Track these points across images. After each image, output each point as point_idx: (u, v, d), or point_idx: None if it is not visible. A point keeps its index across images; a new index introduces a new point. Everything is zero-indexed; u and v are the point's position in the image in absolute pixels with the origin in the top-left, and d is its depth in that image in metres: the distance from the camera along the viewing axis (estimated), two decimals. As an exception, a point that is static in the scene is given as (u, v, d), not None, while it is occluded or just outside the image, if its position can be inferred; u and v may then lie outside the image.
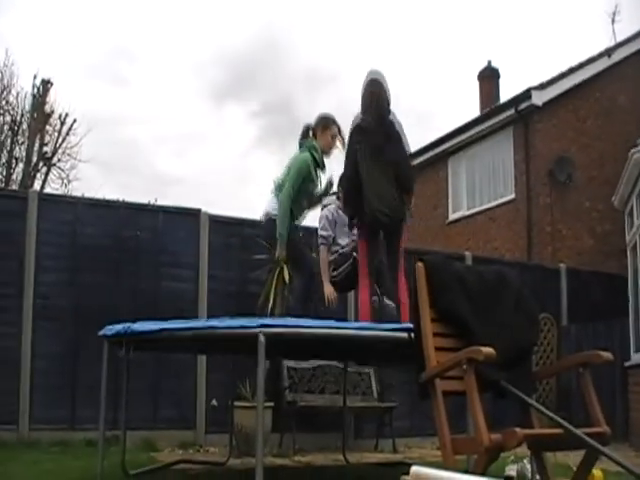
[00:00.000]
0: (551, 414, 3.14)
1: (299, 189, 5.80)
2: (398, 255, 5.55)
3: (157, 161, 34.58)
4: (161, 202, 9.28)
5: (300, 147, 6.02)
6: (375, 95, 5.58)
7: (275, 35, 36.91)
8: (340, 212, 6.10)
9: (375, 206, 5.28)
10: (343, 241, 6.08)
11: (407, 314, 5.28)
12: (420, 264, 3.39)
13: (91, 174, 33.01)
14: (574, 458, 3.43)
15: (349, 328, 4.79)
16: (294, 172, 5.79)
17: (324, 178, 6.13)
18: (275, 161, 37.86)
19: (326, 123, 5.99)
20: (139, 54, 34.40)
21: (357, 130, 5.57)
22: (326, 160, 6.05)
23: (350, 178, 5.55)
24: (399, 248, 5.57)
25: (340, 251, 6.03)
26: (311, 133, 6.05)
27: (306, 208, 6.10)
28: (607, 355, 3.28)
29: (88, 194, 8.93)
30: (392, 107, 5.65)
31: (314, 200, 6.18)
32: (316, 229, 6.32)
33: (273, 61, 36.18)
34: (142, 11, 33.25)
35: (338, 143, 5.99)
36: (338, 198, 6.22)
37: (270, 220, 5.84)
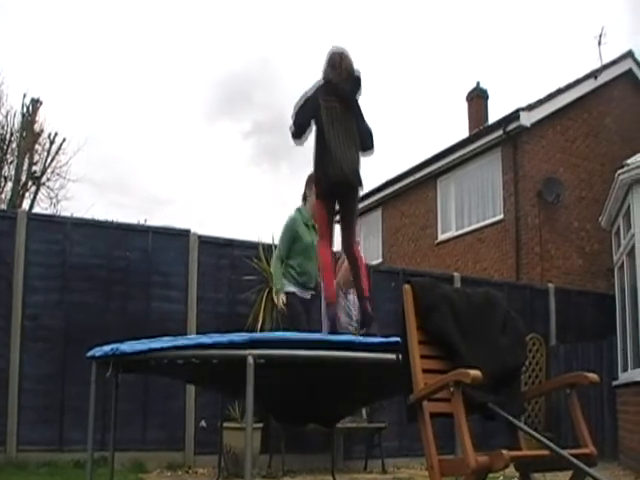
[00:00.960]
0: (538, 435, 3.15)
1: (290, 248, 6.01)
2: (354, 217, 5.60)
3: (149, 180, 34.63)
4: (152, 222, 9.31)
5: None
6: (343, 56, 5.35)
7: (269, 55, 37.15)
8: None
9: (343, 170, 5.15)
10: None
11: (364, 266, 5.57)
12: (407, 286, 3.39)
13: (82, 193, 32.97)
14: (563, 478, 3.44)
15: (343, 341, 4.77)
16: (280, 235, 6.15)
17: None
18: (267, 181, 37.90)
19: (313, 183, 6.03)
20: (132, 73, 34.48)
21: (326, 86, 5.31)
22: None
23: (301, 126, 5.25)
24: (355, 210, 5.65)
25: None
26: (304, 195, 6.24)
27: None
28: (593, 377, 3.29)
29: (78, 214, 8.96)
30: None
31: None
32: None
33: (266, 81, 36.40)
34: (134, 30, 33.41)
35: None
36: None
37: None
